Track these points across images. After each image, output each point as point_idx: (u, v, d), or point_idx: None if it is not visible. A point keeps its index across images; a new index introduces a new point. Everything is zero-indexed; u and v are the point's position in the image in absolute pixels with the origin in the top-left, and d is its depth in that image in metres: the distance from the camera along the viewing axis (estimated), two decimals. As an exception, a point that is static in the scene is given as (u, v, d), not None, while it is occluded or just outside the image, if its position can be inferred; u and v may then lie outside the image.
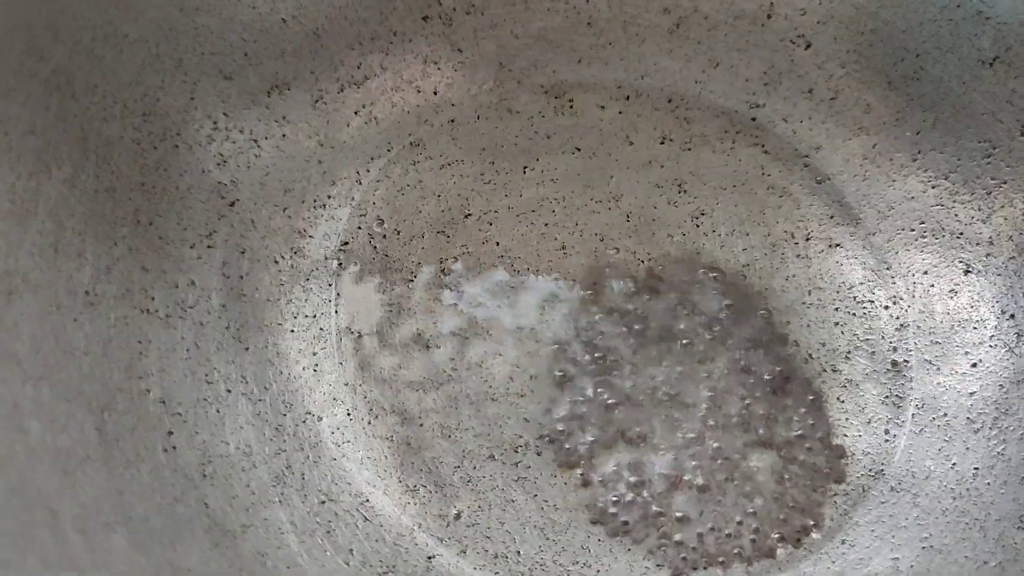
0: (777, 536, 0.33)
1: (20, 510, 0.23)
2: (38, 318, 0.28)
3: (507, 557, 0.32)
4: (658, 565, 0.32)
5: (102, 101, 0.32)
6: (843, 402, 0.35)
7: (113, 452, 0.28)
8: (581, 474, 0.34)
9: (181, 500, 0.29)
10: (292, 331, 0.35)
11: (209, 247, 0.34)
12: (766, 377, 0.36)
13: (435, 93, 0.40)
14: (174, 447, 0.30)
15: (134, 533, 0.27)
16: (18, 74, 0.29)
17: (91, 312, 0.30)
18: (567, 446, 0.34)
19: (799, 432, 0.35)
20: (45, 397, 0.27)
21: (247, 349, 0.34)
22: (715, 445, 0.34)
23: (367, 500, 0.33)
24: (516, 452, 0.34)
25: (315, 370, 0.35)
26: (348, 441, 0.34)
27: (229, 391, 0.33)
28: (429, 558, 0.32)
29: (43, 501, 0.24)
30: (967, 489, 0.33)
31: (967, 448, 0.34)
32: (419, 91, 0.39)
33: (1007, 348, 0.35)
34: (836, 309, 0.37)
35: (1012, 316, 0.35)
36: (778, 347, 0.36)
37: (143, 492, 0.28)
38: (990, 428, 0.34)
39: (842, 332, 0.37)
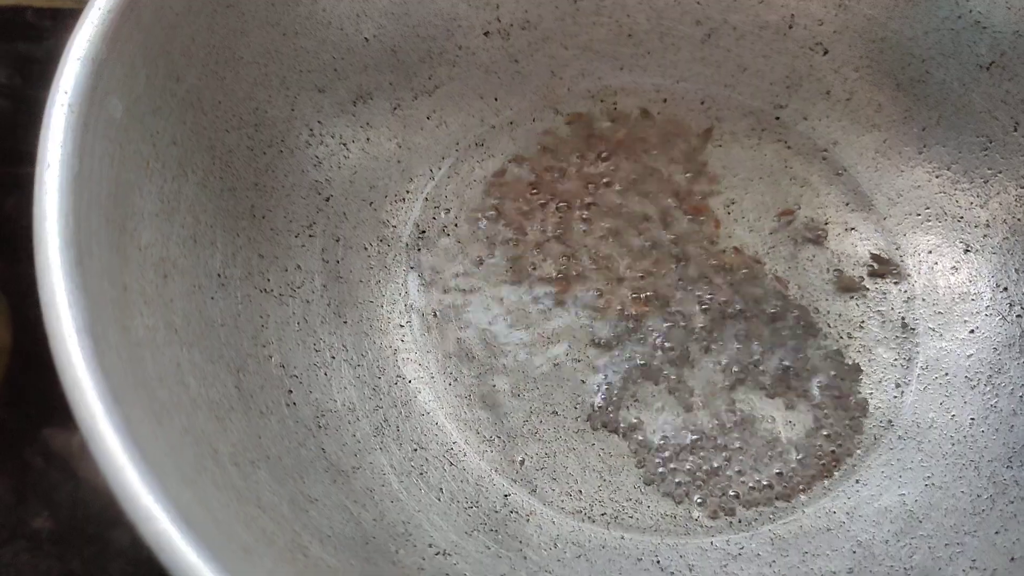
0: (807, 478, 0.36)
1: (191, 445, 0.27)
2: (186, 295, 0.31)
3: (571, 495, 0.36)
4: (700, 504, 0.36)
5: (224, 115, 0.35)
6: (859, 364, 0.38)
7: (249, 405, 0.31)
8: (624, 432, 0.37)
9: (303, 445, 0.33)
10: (382, 307, 0.39)
11: (310, 236, 0.38)
12: (791, 343, 0.39)
13: (496, 99, 0.43)
14: (294, 403, 0.34)
15: (272, 469, 0.30)
16: (162, 94, 0.31)
17: (223, 292, 0.33)
18: (610, 409, 0.38)
19: (824, 389, 0.38)
20: (197, 359, 0.30)
21: (345, 323, 0.38)
22: (746, 402, 0.38)
23: (451, 448, 0.36)
24: (575, 409, 0.38)
25: (403, 340, 0.38)
26: (434, 399, 0.37)
27: (333, 358, 0.36)
28: (505, 496, 0.36)
29: (206, 440, 0.28)
30: (964, 436, 0.36)
31: (965, 402, 0.37)
32: (482, 97, 0.43)
33: (1000, 316, 0.38)
34: (851, 285, 0.40)
35: (1005, 289, 0.38)
36: (801, 317, 0.39)
37: (275, 438, 0.32)
38: (985, 385, 0.37)
39: (857, 304, 0.40)
